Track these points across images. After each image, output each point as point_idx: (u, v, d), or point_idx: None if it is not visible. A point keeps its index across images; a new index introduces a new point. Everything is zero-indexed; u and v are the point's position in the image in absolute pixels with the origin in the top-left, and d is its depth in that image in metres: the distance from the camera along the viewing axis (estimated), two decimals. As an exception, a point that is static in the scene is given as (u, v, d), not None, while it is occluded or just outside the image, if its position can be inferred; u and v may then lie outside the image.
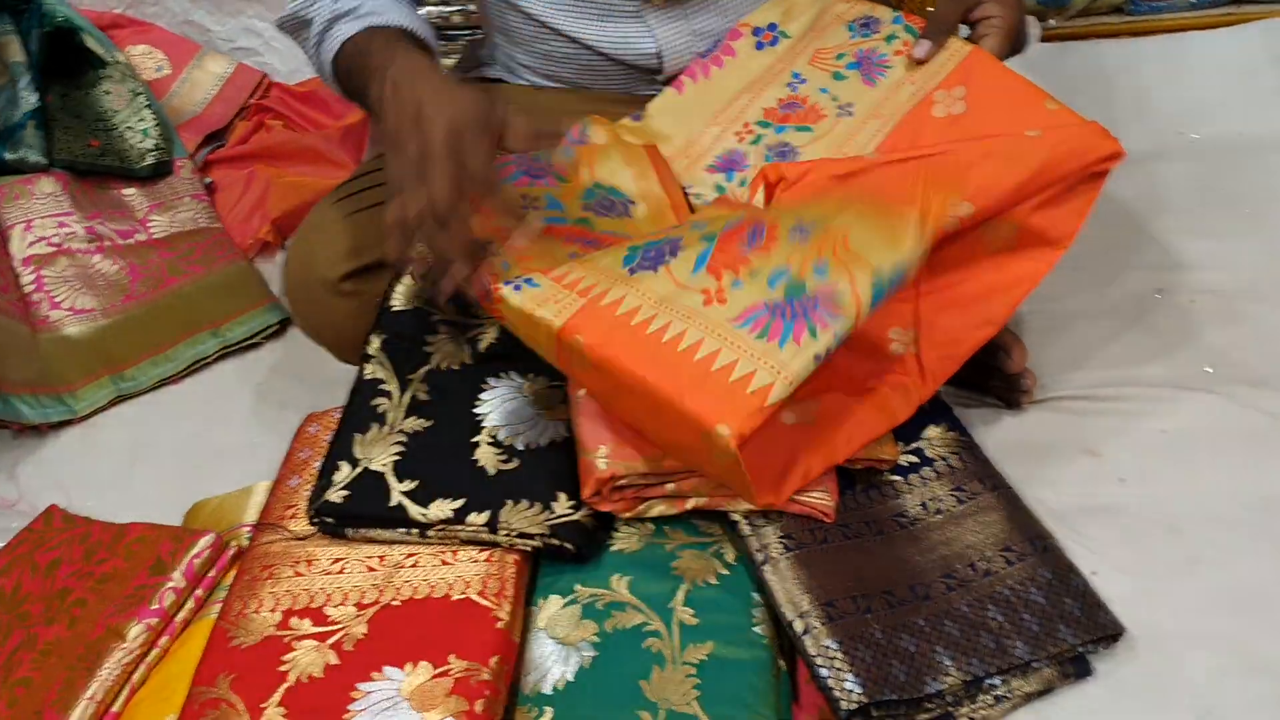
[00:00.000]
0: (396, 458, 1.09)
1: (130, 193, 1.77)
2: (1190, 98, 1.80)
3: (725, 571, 1.03)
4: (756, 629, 0.98)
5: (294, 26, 1.27)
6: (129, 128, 1.80)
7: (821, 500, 1.04)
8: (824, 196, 1.08)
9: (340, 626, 0.99)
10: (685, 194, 1.23)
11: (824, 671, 0.90)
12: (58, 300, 1.56)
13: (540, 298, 1.01)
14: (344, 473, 1.08)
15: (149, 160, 1.78)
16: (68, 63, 1.81)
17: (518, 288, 1.02)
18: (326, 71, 1.25)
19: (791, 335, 0.91)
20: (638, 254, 1.03)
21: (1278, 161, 1.65)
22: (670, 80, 1.37)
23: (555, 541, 1.03)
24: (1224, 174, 1.65)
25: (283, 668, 0.96)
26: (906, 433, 1.13)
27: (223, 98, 2.02)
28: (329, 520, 1.07)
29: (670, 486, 1.05)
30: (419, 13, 1.28)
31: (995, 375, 1.24)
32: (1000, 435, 1.22)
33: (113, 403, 1.50)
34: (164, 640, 1.06)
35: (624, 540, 1.07)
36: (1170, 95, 1.81)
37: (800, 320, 0.92)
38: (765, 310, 0.94)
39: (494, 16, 1.41)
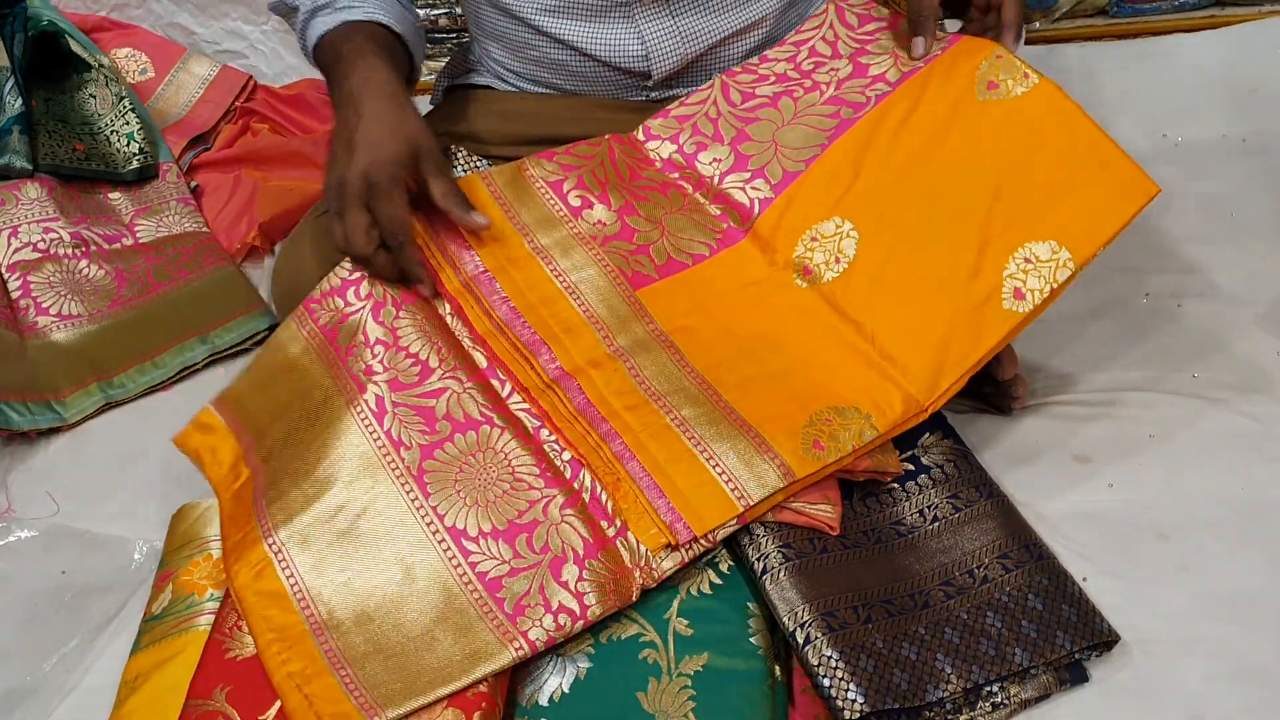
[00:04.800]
0: (390, 468, 1.09)
1: (116, 197, 1.76)
2: (1174, 101, 1.81)
3: (719, 581, 1.03)
4: (752, 639, 0.98)
5: (283, 11, 1.30)
6: (114, 132, 1.79)
7: (826, 513, 1.04)
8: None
9: (337, 638, 0.99)
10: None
11: (826, 681, 0.91)
12: (45, 306, 1.55)
13: None
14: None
15: (134, 164, 1.77)
16: (52, 67, 1.80)
17: None
18: (310, 62, 1.29)
19: None
20: None
21: (1260, 165, 1.67)
22: (658, 85, 1.37)
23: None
24: (1207, 177, 1.66)
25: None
26: (902, 440, 1.13)
27: (207, 100, 2.01)
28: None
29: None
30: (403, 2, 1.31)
31: (987, 382, 1.24)
32: (992, 441, 1.22)
33: (101, 410, 1.48)
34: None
35: (619, 549, 1.07)
36: (1154, 98, 1.82)
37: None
38: None
39: (482, 21, 1.41)
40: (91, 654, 1.13)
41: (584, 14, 1.32)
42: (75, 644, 1.13)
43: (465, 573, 0.99)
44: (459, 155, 1.32)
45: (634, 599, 0.97)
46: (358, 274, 1.16)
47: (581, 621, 0.95)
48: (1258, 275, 1.45)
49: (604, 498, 1.02)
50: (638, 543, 0.99)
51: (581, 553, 0.98)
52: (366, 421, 1.09)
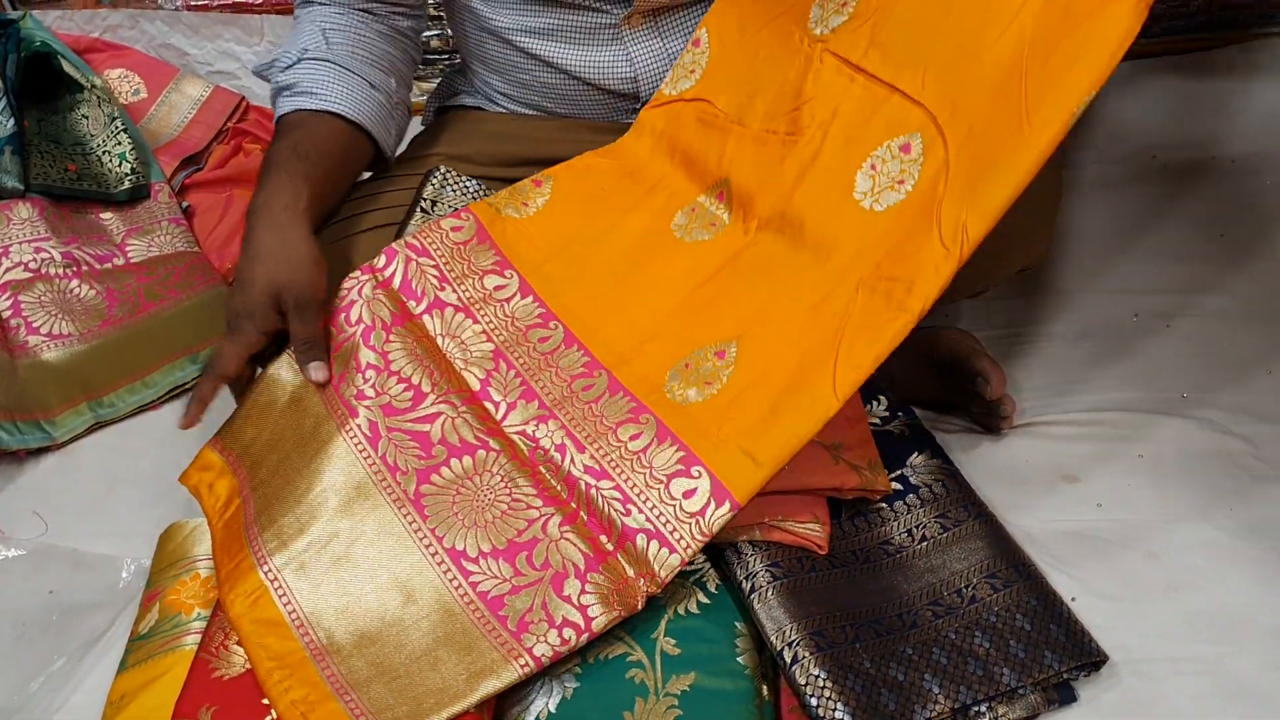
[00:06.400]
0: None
1: (108, 217, 1.76)
2: (1163, 123, 1.82)
3: (706, 600, 1.03)
4: (739, 659, 0.98)
5: (265, 78, 1.31)
6: (106, 152, 1.79)
7: (815, 531, 1.04)
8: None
9: (324, 657, 0.99)
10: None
11: (813, 701, 0.91)
12: (35, 326, 1.54)
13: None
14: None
15: (126, 184, 1.77)
16: (45, 87, 1.80)
17: None
18: None
19: None
20: None
21: (1249, 185, 1.67)
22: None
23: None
24: (1196, 197, 1.66)
25: (266, 700, 0.95)
26: (890, 460, 1.14)
27: (200, 121, 2.01)
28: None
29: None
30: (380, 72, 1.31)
31: (975, 401, 1.25)
32: (980, 461, 1.22)
33: (91, 429, 1.49)
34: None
35: (607, 569, 1.07)
36: (1142, 119, 1.83)
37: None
38: None
39: (472, 45, 1.42)
40: (79, 673, 1.12)
41: (573, 37, 1.33)
42: (62, 663, 1.13)
43: (466, 593, 0.99)
44: (449, 176, 1.33)
45: (640, 606, 0.96)
46: (348, 300, 1.16)
47: (587, 634, 0.94)
48: (1247, 295, 1.45)
49: (604, 510, 1.00)
50: (639, 552, 0.97)
51: (583, 567, 0.98)
52: (360, 446, 1.09)
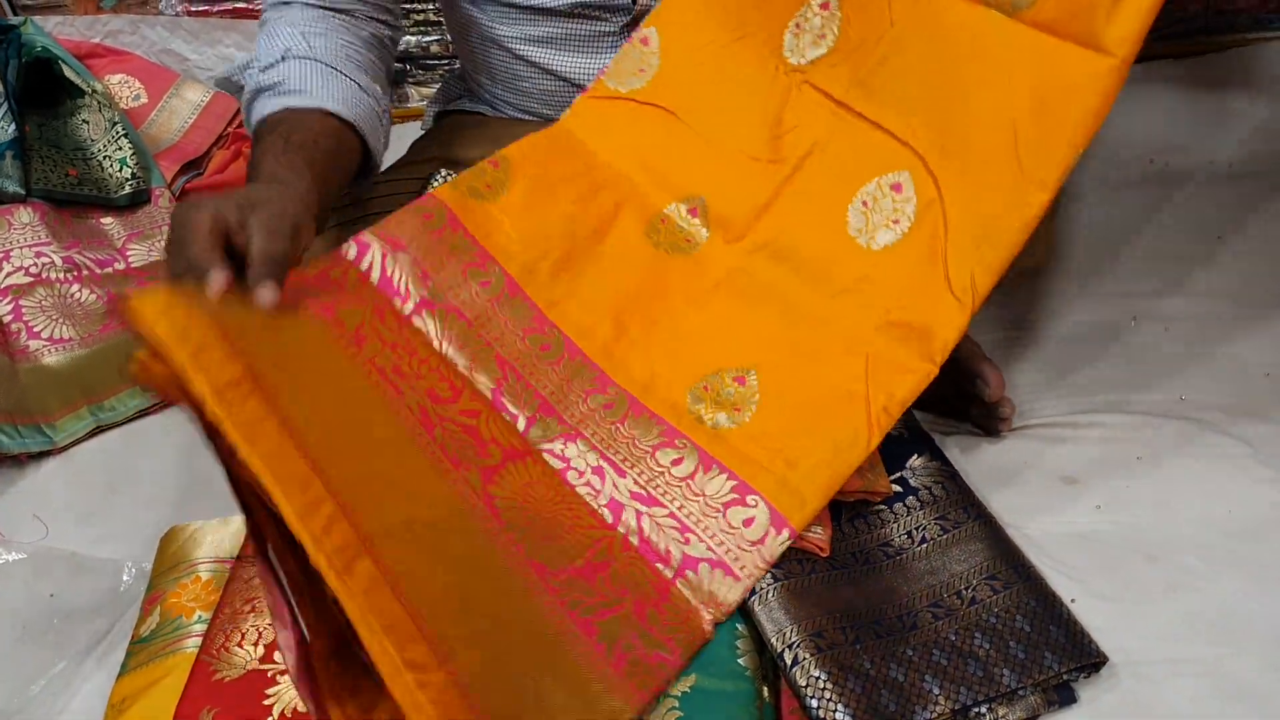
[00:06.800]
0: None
1: (108, 222, 1.77)
2: (1160, 126, 1.82)
3: (708, 601, 1.03)
4: (740, 660, 0.97)
5: (230, 90, 1.28)
6: (107, 157, 1.79)
7: (816, 534, 1.04)
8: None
9: (324, 660, 0.98)
10: None
11: (814, 703, 0.91)
12: (36, 330, 1.55)
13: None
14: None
15: (127, 189, 1.78)
16: (46, 92, 1.81)
17: None
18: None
19: None
20: None
21: (1246, 188, 1.68)
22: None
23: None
24: (1194, 201, 1.67)
25: (267, 701, 0.96)
26: (890, 462, 1.14)
27: (200, 126, 2.02)
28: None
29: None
30: (368, 67, 1.24)
31: (974, 403, 1.25)
32: (980, 463, 1.22)
33: (92, 433, 1.48)
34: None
35: (607, 570, 1.07)
36: (1141, 123, 1.83)
37: None
38: None
39: (472, 51, 1.42)
40: (79, 677, 1.12)
41: (574, 45, 1.33)
42: (63, 667, 1.12)
43: (557, 611, 0.91)
44: (450, 179, 1.33)
45: (711, 635, 0.95)
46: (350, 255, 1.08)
47: (677, 667, 0.92)
48: (1245, 298, 1.46)
49: (658, 538, 0.99)
50: (700, 581, 0.96)
51: (656, 596, 0.96)
52: (414, 429, 0.96)
